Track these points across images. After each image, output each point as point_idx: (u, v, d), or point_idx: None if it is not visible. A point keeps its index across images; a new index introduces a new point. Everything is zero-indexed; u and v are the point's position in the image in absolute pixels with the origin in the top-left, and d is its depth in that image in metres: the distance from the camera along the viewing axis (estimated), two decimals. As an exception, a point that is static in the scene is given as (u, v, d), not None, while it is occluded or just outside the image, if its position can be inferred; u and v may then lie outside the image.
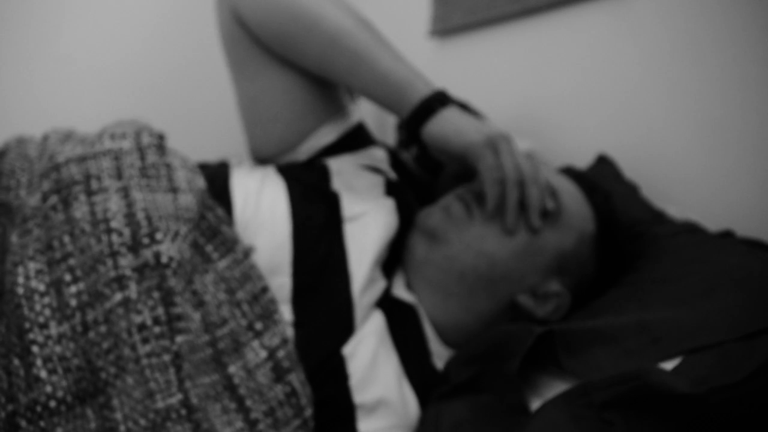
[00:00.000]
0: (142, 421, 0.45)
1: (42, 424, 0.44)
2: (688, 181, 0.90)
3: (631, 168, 0.96)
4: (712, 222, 0.78)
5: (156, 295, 0.48)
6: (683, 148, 0.91)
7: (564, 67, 1.17)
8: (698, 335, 0.47)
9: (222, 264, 0.56)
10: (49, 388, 0.44)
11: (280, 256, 0.59)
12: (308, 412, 0.53)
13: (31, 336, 0.45)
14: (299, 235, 0.61)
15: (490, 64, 1.42)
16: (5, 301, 0.47)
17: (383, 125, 2.00)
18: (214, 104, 1.62)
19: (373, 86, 0.65)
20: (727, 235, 0.69)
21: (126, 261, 0.49)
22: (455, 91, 1.42)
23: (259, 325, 0.54)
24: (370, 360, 0.58)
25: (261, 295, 0.56)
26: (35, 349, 0.45)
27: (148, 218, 0.52)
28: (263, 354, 0.53)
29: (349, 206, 0.66)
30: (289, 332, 0.57)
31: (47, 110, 1.62)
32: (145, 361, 0.46)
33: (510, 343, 0.52)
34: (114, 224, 0.50)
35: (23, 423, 0.43)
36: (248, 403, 0.51)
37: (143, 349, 0.46)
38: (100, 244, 0.49)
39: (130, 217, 0.51)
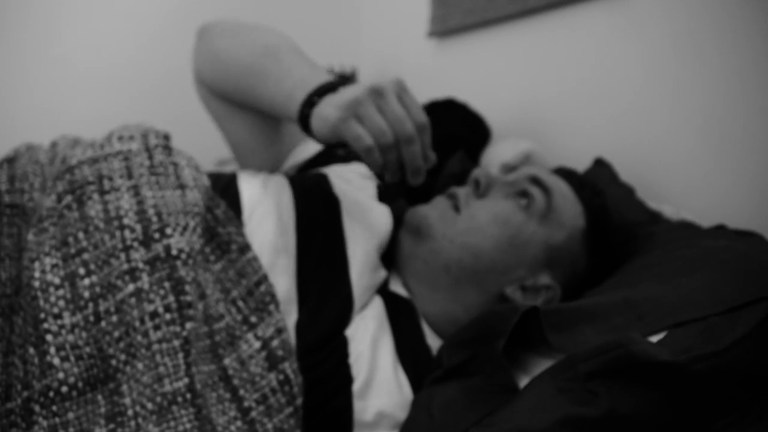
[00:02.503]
0: (150, 405, 0.47)
1: (54, 408, 0.45)
2: (687, 180, 0.90)
3: (629, 167, 0.96)
4: (709, 222, 0.78)
5: (167, 285, 0.51)
6: (682, 148, 0.91)
7: (563, 67, 1.17)
8: (683, 310, 0.48)
9: (217, 267, 0.58)
10: (61, 375, 0.46)
11: (286, 240, 0.63)
12: (299, 400, 0.54)
13: (45, 326, 0.47)
14: (302, 221, 0.65)
15: (490, 64, 1.42)
16: (22, 295, 0.50)
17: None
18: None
19: (275, 112, 0.68)
20: (719, 228, 0.70)
21: (138, 254, 0.52)
22: (455, 91, 1.43)
23: (253, 318, 0.56)
24: (370, 342, 0.60)
25: (255, 288, 0.58)
26: (49, 337, 0.47)
27: (158, 214, 0.55)
28: (257, 345, 0.55)
29: (346, 204, 0.69)
30: (292, 318, 0.59)
31: (46, 112, 1.63)
32: (156, 347, 0.49)
33: (498, 324, 0.52)
34: (126, 221, 0.53)
35: (37, 408, 0.45)
36: (241, 392, 0.52)
37: (155, 336, 0.49)
38: (113, 239, 0.52)
39: (141, 213, 0.54)
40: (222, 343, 0.54)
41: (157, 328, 0.49)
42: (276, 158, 0.82)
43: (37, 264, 0.50)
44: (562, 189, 0.69)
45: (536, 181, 0.68)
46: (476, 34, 1.47)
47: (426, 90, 1.57)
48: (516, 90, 1.33)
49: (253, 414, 0.52)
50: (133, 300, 0.50)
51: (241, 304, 0.57)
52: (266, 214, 0.64)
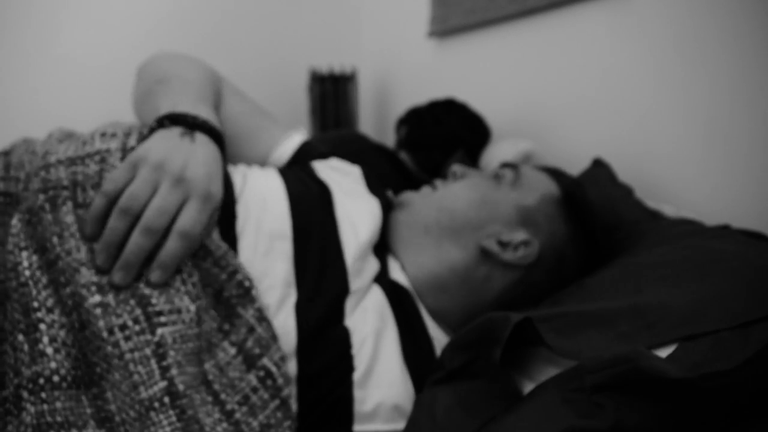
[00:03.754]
0: (132, 413, 0.48)
1: (43, 395, 0.45)
2: (687, 179, 0.90)
3: (629, 166, 0.96)
4: (709, 221, 0.78)
5: (132, 301, 0.52)
6: (683, 148, 0.91)
7: (563, 67, 1.17)
8: (693, 322, 0.47)
9: (206, 264, 0.58)
10: (53, 364, 0.46)
11: (281, 224, 0.64)
12: (286, 390, 0.54)
13: (39, 315, 0.48)
14: (296, 206, 0.66)
15: (490, 64, 1.43)
16: (9, 280, 0.50)
17: (383, 126, 2.00)
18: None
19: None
20: (724, 228, 0.70)
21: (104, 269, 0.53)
22: (455, 91, 1.43)
23: (226, 326, 0.56)
24: (372, 333, 0.61)
25: (220, 294, 0.57)
26: (42, 326, 0.47)
27: None
28: (232, 351, 0.55)
29: (337, 190, 0.72)
30: (291, 299, 0.60)
31: (47, 111, 1.62)
32: (128, 356, 0.49)
33: (494, 330, 0.52)
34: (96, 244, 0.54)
35: (25, 394, 0.45)
36: (222, 396, 0.53)
37: (126, 346, 0.49)
38: (85, 253, 0.53)
39: None
40: (203, 347, 0.55)
41: (127, 339, 0.50)
42: (257, 160, 0.82)
43: (25, 254, 0.51)
44: (532, 170, 0.75)
45: (505, 164, 0.76)
46: (476, 34, 1.47)
47: (426, 90, 1.57)
48: (516, 90, 1.33)
49: (237, 416, 0.52)
50: (98, 311, 0.50)
51: (212, 313, 0.56)
52: (260, 200, 0.65)
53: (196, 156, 0.56)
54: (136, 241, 0.52)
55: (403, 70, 1.87)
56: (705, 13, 0.87)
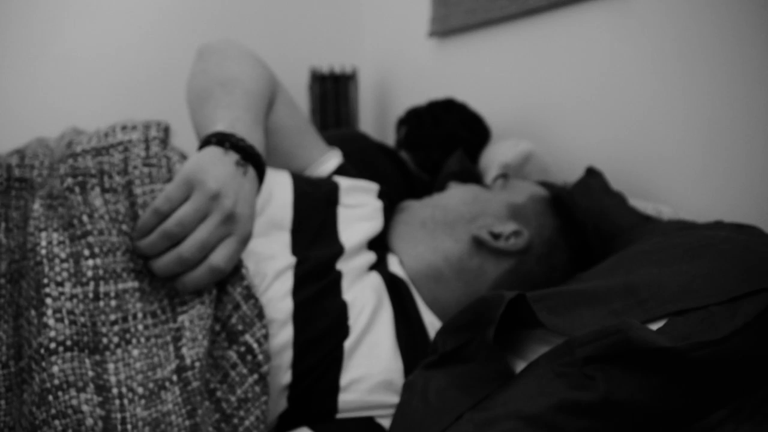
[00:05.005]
0: (140, 390, 0.49)
1: (43, 364, 0.47)
2: (687, 180, 0.90)
3: (629, 166, 0.96)
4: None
5: (162, 291, 0.56)
6: (682, 148, 0.91)
7: (563, 67, 1.18)
8: (684, 298, 0.48)
9: None
10: (52, 333, 0.48)
11: (282, 215, 0.68)
12: (266, 367, 0.55)
13: (47, 290, 0.49)
14: (299, 202, 0.70)
15: (490, 64, 1.43)
16: (27, 260, 0.52)
17: (383, 125, 2.00)
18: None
19: (196, 131, 0.70)
20: (717, 223, 0.71)
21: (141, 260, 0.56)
22: (455, 91, 1.43)
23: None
24: (370, 310, 0.64)
25: None
26: (48, 301, 0.49)
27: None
28: (216, 327, 0.57)
29: (345, 196, 0.76)
30: (288, 266, 0.63)
31: (49, 109, 1.63)
32: (152, 341, 0.52)
33: (487, 311, 0.52)
34: (124, 227, 0.56)
35: (33, 365, 0.47)
36: (207, 375, 0.55)
37: (153, 331, 0.53)
38: (118, 237, 0.55)
39: (135, 219, 0.58)
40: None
41: (155, 325, 0.53)
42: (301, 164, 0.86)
43: (44, 234, 0.53)
44: (522, 181, 0.83)
45: (498, 176, 0.82)
46: (477, 34, 1.47)
47: (426, 90, 1.58)
48: (516, 90, 1.34)
49: (218, 394, 0.54)
50: (137, 294, 0.53)
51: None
52: (266, 194, 0.69)
53: (245, 192, 0.57)
54: (169, 265, 0.54)
55: (404, 70, 1.87)
56: (705, 14, 0.87)
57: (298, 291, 0.62)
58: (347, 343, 0.61)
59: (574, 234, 0.76)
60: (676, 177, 0.92)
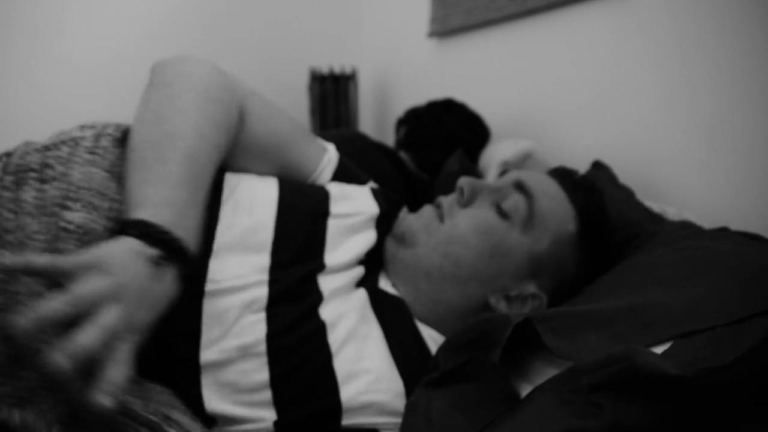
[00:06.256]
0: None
1: None
2: (689, 180, 0.90)
3: (630, 167, 0.96)
4: (711, 223, 0.78)
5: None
6: (684, 148, 0.91)
7: (563, 67, 1.18)
8: (689, 320, 0.47)
9: None
10: None
11: (262, 239, 0.62)
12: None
13: None
14: (282, 218, 0.64)
15: (490, 64, 1.43)
16: None
17: (383, 126, 2.00)
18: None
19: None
20: (722, 230, 0.70)
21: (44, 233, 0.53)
22: (455, 91, 1.43)
23: None
24: (349, 332, 0.59)
25: None
26: None
27: (77, 189, 0.56)
28: None
29: (336, 205, 0.69)
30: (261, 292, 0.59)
31: (47, 110, 1.62)
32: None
33: (491, 332, 0.51)
34: (55, 209, 0.54)
35: None
36: None
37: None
38: (39, 225, 0.53)
39: (65, 196, 0.55)
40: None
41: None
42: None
43: None
44: (549, 193, 0.68)
45: (520, 186, 0.68)
46: (476, 34, 1.47)
47: (426, 90, 1.58)
48: (516, 90, 1.33)
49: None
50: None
51: None
52: (247, 206, 0.64)
53: (153, 298, 0.48)
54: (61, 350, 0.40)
55: (403, 70, 1.87)
56: (705, 13, 0.87)
57: (271, 322, 0.57)
58: (340, 379, 0.56)
59: (599, 261, 0.69)
60: (677, 176, 0.92)
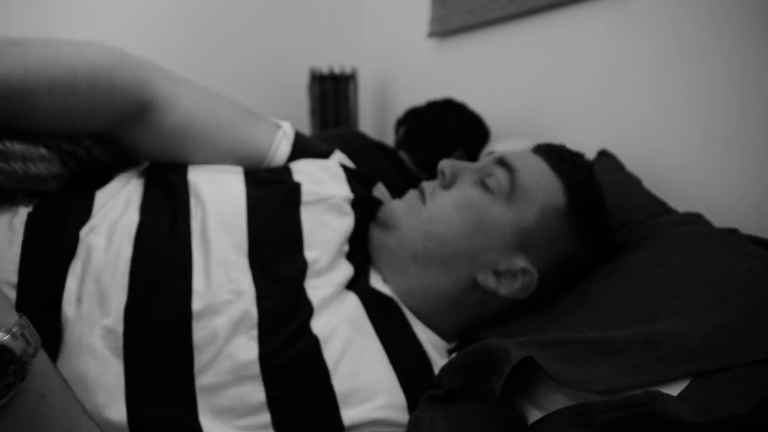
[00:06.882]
0: None
1: None
2: (689, 180, 0.90)
3: (630, 167, 0.96)
4: (712, 219, 0.78)
5: None
6: (684, 148, 0.91)
7: (563, 67, 1.18)
8: (706, 356, 0.46)
9: None
10: None
11: (237, 236, 0.60)
12: None
13: None
14: (253, 214, 0.62)
15: (490, 64, 1.43)
16: None
17: (383, 126, 2.00)
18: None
19: None
20: (732, 232, 0.68)
21: None
22: (455, 91, 1.43)
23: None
24: (345, 345, 0.57)
25: None
26: None
27: None
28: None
29: (307, 192, 0.67)
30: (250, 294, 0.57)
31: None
32: None
33: (492, 355, 0.50)
34: None
35: None
36: None
37: None
38: None
39: None
40: None
41: None
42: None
43: None
44: (532, 166, 0.66)
45: (502, 162, 0.66)
46: (476, 35, 1.47)
47: (426, 90, 1.58)
48: (516, 90, 1.33)
49: None
50: None
51: None
52: (214, 207, 0.61)
53: None
54: None
55: (403, 70, 1.87)
56: (704, 13, 0.87)
57: (263, 341, 0.54)
58: (340, 398, 0.54)
59: (597, 246, 0.67)
60: (677, 176, 0.92)
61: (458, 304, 0.64)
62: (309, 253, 0.62)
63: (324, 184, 0.69)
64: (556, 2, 1.16)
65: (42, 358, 0.40)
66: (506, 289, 0.62)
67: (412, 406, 0.57)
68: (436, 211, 0.66)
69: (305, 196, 0.66)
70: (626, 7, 1.01)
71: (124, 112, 0.64)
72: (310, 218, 0.64)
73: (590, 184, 0.67)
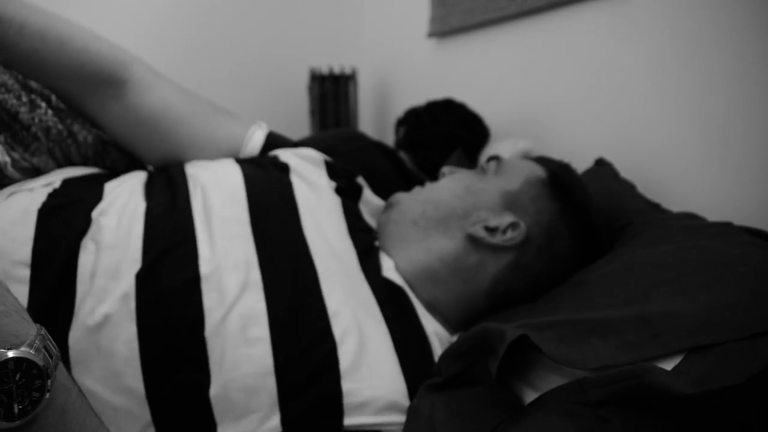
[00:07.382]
0: None
1: None
2: (688, 180, 0.90)
3: (630, 167, 0.96)
4: (710, 219, 0.78)
5: None
6: (684, 149, 0.91)
7: (563, 67, 1.18)
8: (701, 332, 0.46)
9: None
10: None
11: (239, 212, 0.64)
12: None
13: None
14: (252, 189, 0.67)
15: (490, 64, 1.43)
16: None
17: (383, 126, 2.00)
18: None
19: None
20: (726, 225, 0.68)
21: None
22: (455, 91, 1.43)
23: None
24: (352, 322, 0.59)
25: None
26: None
27: None
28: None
29: (296, 174, 0.72)
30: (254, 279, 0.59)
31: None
32: None
33: (490, 339, 0.51)
34: None
35: None
36: None
37: None
38: None
39: None
40: None
41: None
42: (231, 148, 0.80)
43: None
44: (516, 158, 0.78)
45: (493, 158, 0.78)
46: (476, 35, 1.47)
47: (425, 90, 1.58)
48: (515, 90, 1.33)
49: None
50: None
51: None
52: (214, 185, 0.66)
53: None
54: None
55: (403, 70, 1.87)
56: (704, 14, 0.87)
57: (277, 350, 0.55)
58: (342, 369, 0.56)
59: (576, 217, 0.72)
60: (676, 176, 0.92)
61: (456, 266, 0.70)
62: (306, 220, 0.67)
63: (307, 168, 0.74)
64: (556, 2, 1.16)
65: (62, 371, 0.39)
66: (497, 239, 0.69)
67: (411, 394, 0.58)
68: (432, 186, 0.77)
69: (294, 175, 0.72)
70: (626, 7, 1.01)
71: (95, 77, 0.71)
72: (305, 202, 0.69)
73: (571, 172, 0.77)
